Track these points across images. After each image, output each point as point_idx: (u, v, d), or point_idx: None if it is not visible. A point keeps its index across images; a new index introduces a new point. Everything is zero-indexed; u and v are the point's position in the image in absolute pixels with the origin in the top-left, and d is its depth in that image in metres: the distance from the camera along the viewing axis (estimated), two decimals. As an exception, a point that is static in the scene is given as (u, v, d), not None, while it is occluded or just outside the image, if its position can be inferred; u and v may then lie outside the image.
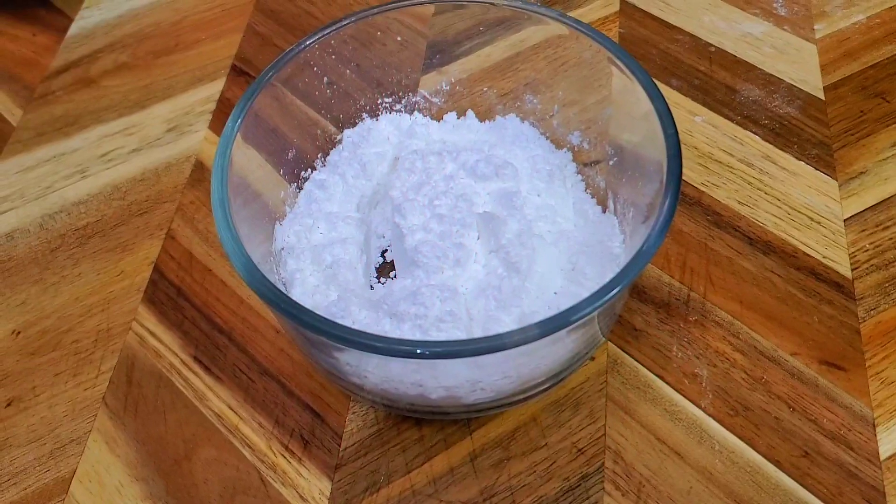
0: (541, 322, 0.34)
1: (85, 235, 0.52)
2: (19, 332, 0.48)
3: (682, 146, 0.52)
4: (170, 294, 0.48)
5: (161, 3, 0.66)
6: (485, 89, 0.52)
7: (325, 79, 0.48)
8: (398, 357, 0.33)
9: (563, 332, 0.34)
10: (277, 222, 0.46)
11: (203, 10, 0.65)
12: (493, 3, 0.47)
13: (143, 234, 0.51)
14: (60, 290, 0.49)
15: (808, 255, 0.48)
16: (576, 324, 0.34)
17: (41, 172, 0.55)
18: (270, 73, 0.44)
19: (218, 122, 0.57)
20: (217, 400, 0.44)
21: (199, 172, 0.54)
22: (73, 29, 0.65)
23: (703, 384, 0.43)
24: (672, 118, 0.39)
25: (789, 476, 0.40)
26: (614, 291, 0.34)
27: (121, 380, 0.45)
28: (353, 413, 0.43)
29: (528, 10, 0.46)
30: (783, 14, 0.60)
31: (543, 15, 0.46)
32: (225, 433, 0.43)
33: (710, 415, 0.42)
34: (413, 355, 0.33)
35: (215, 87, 0.59)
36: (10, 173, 0.55)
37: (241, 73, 0.60)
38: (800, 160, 0.52)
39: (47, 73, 0.61)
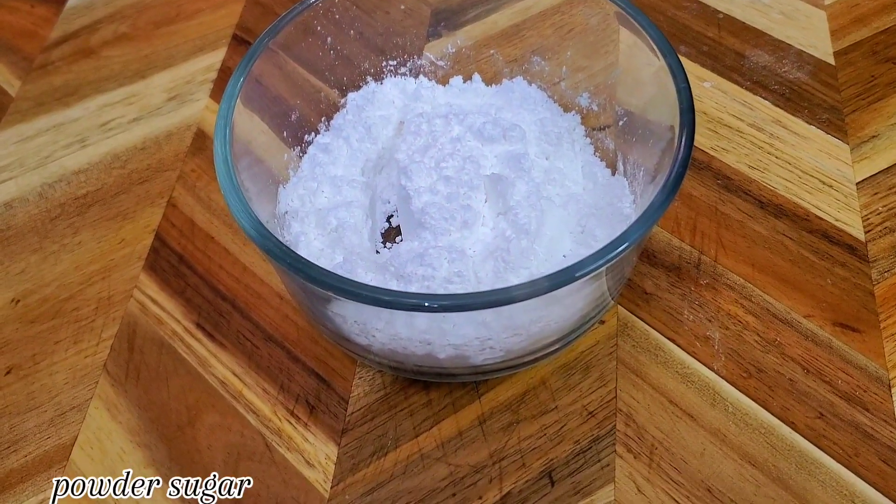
0: (550, 275, 0.33)
1: (85, 204, 0.51)
2: (19, 301, 0.47)
3: (691, 111, 0.51)
4: (171, 262, 0.48)
5: (161, -27, 0.65)
6: (492, 52, 0.51)
7: (328, 40, 0.47)
8: (406, 310, 0.33)
9: (572, 286, 0.33)
10: (281, 185, 0.45)
11: (204, -20, 0.64)
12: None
13: (144, 202, 0.51)
14: (60, 259, 0.48)
15: (820, 218, 0.47)
16: (584, 278, 0.33)
17: (41, 142, 0.54)
18: (269, 36, 0.43)
19: (219, 91, 0.56)
20: (221, 366, 0.43)
21: (201, 141, 0.53)
22: (73, 0, 0.64)
23: (716, 346, 0.42)
24: (684, 72, 0.39)
25: (804, 437, 0.39)
26: (625, 245, 0.33)
27: (122, 347, 0.44)
28: (360, 378, 0.42)
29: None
30: (791, -20, 0.59)
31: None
32: (229, 399, 0.42)
33: (722, 377, 0.41)
34: (421, 308, 0.32)
35: (216, 57, 0.59)
36: (8, 143, 0.54)
37: (243, 42, 0.59)
38: (811, 125, 0.51)
39: (46, 44, 0.61)
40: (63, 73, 0.58)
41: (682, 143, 0.36)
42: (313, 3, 0.45)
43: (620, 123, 0.45)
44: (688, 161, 0.36)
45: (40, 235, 0.50)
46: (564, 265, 0.41)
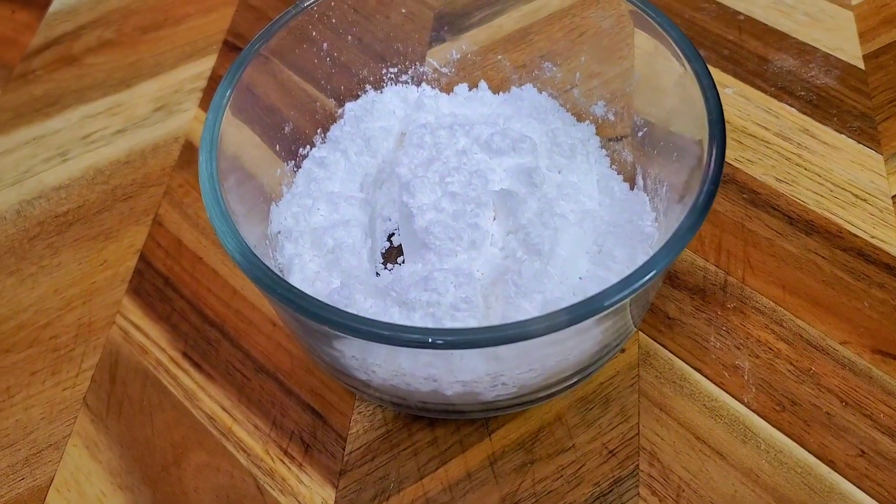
0: (570, 307, 0.29)
1: (65, 223, 0.48)
2: (-7, 328, 0.44)
3: (713, 119, 0.48)
4: (157, 285, 0.44)
5: (149, -24, 0.62)
6: (499, 57, 0.48)
7: (324, 46, 0.44)
8: (409, 347, 0.29)
9: (594, 319, 0.30)
10: (273, 203, 0.41)
11: (193, -17, 0.61)
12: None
13: (128, 220, 0.47)
14: (39, 282, 0.45)
15: (854, 234, 0.44)
16: (608, 310, 0.30)
17: (19, 156, 0.51)
18: (261, 41, 0.40)
19: (208, 100, 0.53)
20: (209, 400, 0.40)
21: (189, 154, 0.50)
22: (55, 5, 0.61)
23: (746, 377, 0.39)
24: (712, 79, 0.35)
25: (845, 477, 0.36)
26: (651, 274, 0.30)
27: (103, 378, 0.41)
28: (359, 413, 0.39)
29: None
30: (816, -21, 0.56)
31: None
32: (217, 436, 0.39)
33: (753, 410, 0.38)
34: (425, 345, 0.29)
35: (206, 64, 0.55)
36: (-15, 157, 0.51)
37: (234, 48, 0.56)
38: (840, 133, 0.48)
39: (27, 52, 0.57)
40: (44, 83, 0.55)
41: (713, 158, 0.33)
42: (308, 6, 0.42)
43: (640, 134, 0.42)
44: (719, 178, 0.32)
45: (17, 256, 0.46)
46: (581, 289, 0.38)
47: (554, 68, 0.46)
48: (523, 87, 0.46)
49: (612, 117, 0.44)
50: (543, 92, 0.46)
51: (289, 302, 0.30)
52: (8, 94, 0.55)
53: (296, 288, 0.31)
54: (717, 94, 0.35)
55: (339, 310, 0.30)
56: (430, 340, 0.29)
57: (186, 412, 0.40)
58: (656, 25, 0.38)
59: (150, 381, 0.41)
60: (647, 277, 0.30)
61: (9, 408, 0.41)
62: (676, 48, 0.37)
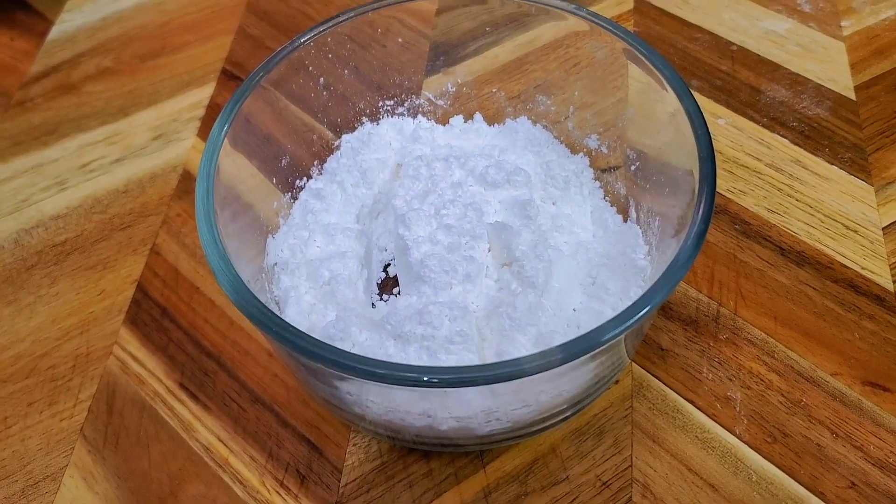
0: (564, 345, 0.30)
1: (63, 252, 0.48)
2: (-9, 358, 0.44)
3: (706, 150, 0.48)
4: (154, 315, 0.45)
5: (147, 4, 0.62)
6: (493, 90, 0.48)
7: (322, 80, 0.44)
8: (403, 386, 0.30)
9: (589, 355, 0.30)
10: (270, 235, 0.42)
11: (192, 11, 0.61)
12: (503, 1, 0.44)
13: (125, 249, 0.48)
14: (36, 311, 0.45)
15: (845, 266, 0.44)
16: (603, 346, 0.30)
17: (17, 185, 0.51)
18: (260, 74, 0.41)
19: (207, 129, 0.53)
20: (205, 431, 0.40)
21: (187, 183, 0.51)
22: (54, 33, 0.61)
23: (737, 408, 0.39)
24: (703, 117, 0.36)
25: (836, 510, 0.36)
26: (646, 310, 0.31)
27: (100, 409, 0.41)
28: (354, 445, 0.39)
29: (539, 3, 0.43)
30: (808, 10, 0.57)
31: (556, 8, 0.42)
32: (214, 467, 0.39)
33: (745, 442, 0.38)
34: (419, 383, 0.29)
35: (204, 93, 0.56)
36: (-17, 186, 0.52)
37: (232, 77, 0.56)
38: (832, 164, 0.48)
39: (25, 79, 0.58)
40: (42, 111, 0.55)
41: (704, 195, 0.33)
42: (308, 38, 0.43)
43: (632, 168, 0.42)
44: (709, 217, 0.33)
45: (15, 286, 0.47)
46: (576, 321, 0.38)
47: (548, 101, 0.46)
48: (518, 119, 0.47)
49: (605, 150, 0.45)
50: (538, 124, 0.47)
51: (282, 339, 0.31)
52: (6, 122, 0.55)
53: (290, 325, 0.31)
54: (708, 132, 0.35)
55: (332, 347, 0.30)
56: (424, 379, 0.29)
57: (183, 443, 0.40)
58: (649, 63, 0.39)
59: (148, 412, 0.41)
60: (641, 314, 0.30)
61: (5, 439, 0.41)
62: (668, 85, 0.38)
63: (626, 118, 0.43)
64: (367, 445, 0.39)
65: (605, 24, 0.41)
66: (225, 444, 0.40)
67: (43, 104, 0.56)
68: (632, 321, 0.30)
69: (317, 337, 0.38)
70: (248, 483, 0.39)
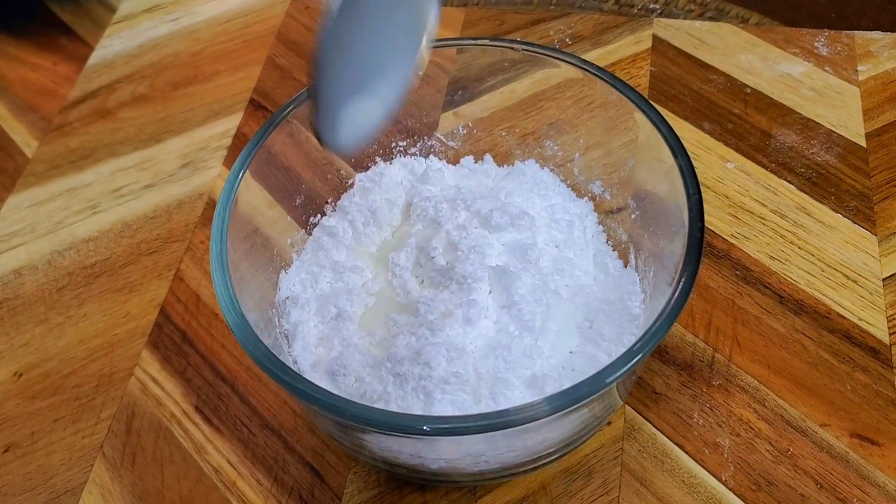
0: (551, 397, 0.31)
1: (93, 274, 0.51)
2: (21, 375, 0.47)
3: (712, 194, 0.50)
4: (174, 339, 0.47)
5: (182, 32, 0.65)
6: (503, 133, 0.50)
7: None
8: (390, 433, 0.32)
9: (575, 407, 0.32)
10: (283, 270, 0.44)
11: (224, 40, 0.64)
12: (511, 48, 0.45)
13: (151, 274, 0.50)
14: (65, 332, 0.48)
15: (842, 316, 0.45)
16: (588, 399, 0.32)
17: (53, 207, 0.54)
18: (290, 108, 0.43)
19: (233, 158, 0.55)
20: (216, 453, 0.43)
21: (211, 211, 0.53)
22: (94, 58, 0.64)
23: (725, 455, 0.41)
24: (696, 178, 0.37)
25: (815, 561, 0.37)
26: (617, 374, 0.32)
27: (120, 429, 0.44)
28: (355, 473, 0.41)
29: (546, 55, 0.44)
30: (825, 54, 0.57)
31: (562, 60, 0.44)
32: (222, 490, 0.41)
33: (730, 489, 0.40)
34: (410, 431, 0.31)
35: (232, 122, 0.58)
36: (22, 207, 0.54)
37: (259, 107, 0.59)
38: (837, 212, 0.49)
39: (65, 104, 0.61)
40: (79, 135, 0.58)
41: (689, 264, 0.34)
42: None
43: (633, 216, 0.44)
44: (694, 278, 0.34)
45: (47, 306, 0.49)
46: (570, 363, 0.40)
47: (555, 146, 0.48)
48: (526, 161, 0.48)
49: (608, 196, 0.46)
50: (545, 168, 0.48)
51: (284, 383, 0.33)
52: (45, 146, 0.58)
53: (288, 368, 0.33)
54: (700, 195, 0.36)
55: (326, 391, 0.32)
56: (421, 427, 0.31)
57: (195, 465, 0.42)
58: (647, 119, 0.40)
59: (163, 433, 0.44)
60: (614, 376, 0.32)
61: (32, 452, 0.44)
62: (665, 142, 0.39)
63: (631, 165, 0.44)
64: (367, 475, 0.41)
65: (605, 77, 0.42)
66: (234, 467, 0.42)
67: (80, 129, 0.59)
68: (608, 380, 0.32)
69: (322, 370, 0.41)
70: (253, 506, 0.41)
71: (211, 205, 0.53)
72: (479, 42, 0.47)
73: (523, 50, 0.45)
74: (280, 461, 0.42)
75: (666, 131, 0.39)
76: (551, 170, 0.48)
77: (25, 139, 0.59)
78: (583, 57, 0.47)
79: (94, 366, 0.47)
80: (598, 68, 0.43)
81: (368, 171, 0.48)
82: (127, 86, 0.61)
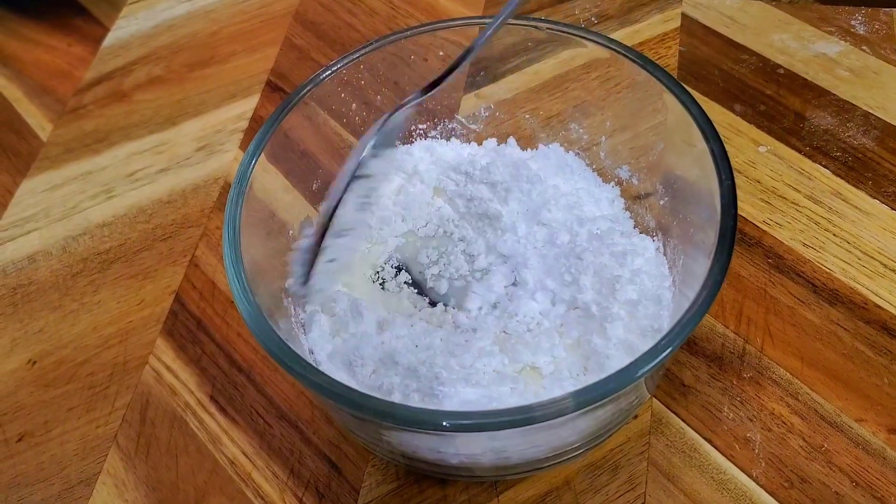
0: (576, 392, 0.30)
1: (107, 260, 0.50)
2: (35, 362, 0.46)
3: (744, 179, 0.48)
4: (189, 327, 0.46)
5: (198, 13, 0.64)
6: (527, 116, 0.48)
7: (362, 97, 0.45)
8: (408, 429, 0.30)
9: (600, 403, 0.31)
10: (300, 259, 0.43)
11: (240, 20, 0.62)
12: (535, 27, 0.43)
13: (165, 260, 0.49)
14: (79, 319, 0.47)
15: (879, 307, 0.43)
16: (614, 395, 0.30)
17: (68, 191, 0.53)
18: (307, 88, 0.41)
19: (249, 141, 0.54)
20: (232, 445, 0.42)
21: (227, 195, 0.52)
22: (109, 39, 0.63)
23: (756, 450, 0.39)
24: (728, 163, 0.35)
25: (850, 562, 0.36)
26: (646, 368, 0.31)
27: (134, 418, 0.43)
28: (373, 466, 0.40)
29: (572, 34, 0.43)
30: (862, 32, 0.55)
31: (588, 39, 0.42)
32: (238, 482, 0.40)
33: (761, 486, 0.38)
34: (429, 426, 0.30)
35: (248, 104, 0.57)
36: (36, 191, 0.54)
37: (276, 88, 0.57)
38: (874, 198, 0.47)
39: (80, 86, 0.60)
40: (94, 118, 0.57)
41: (721, 256, 0.33)
42: (356, 57, 0.43)
43: (661, 203, 0.42)
44: (726, 268, 0.32)
45: (61, 292, 0.49)
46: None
47: (580, 129, 0.46)
48: (550, 145, 0.47)
49: (636, 181, 0.44)
50: (570, 151, 0.46)
51: (298, 375, 0.32)
52: (60, 129, 0.57)
53: (301, 359, 0.32)
54: (733, 181, 0.35)
55: (343, 385, 0.31)
56: (444, 424, 0.30)
57: (210, 456, 0.41)
58: (677, 101, 0.38)
59: (178, 424, 0.43)
60: (642, 371, 0.30)
61: (46, 442, 0.43)
62: (695, 124, 0.37)
63: (659, 149, 0.43)
64: (385, 468, 0.40)
65: (634, 58, 0.41)
66: (249, 459, 0.41)
67: (95, 111, 0.58)
68: (632, 378, 0.30)
69: (339, 361, 0.39)
70: (268, 498, 0.40)
71: (227, 189, 0.52)
72: (501, 22, 0.45)
73: (548, 29, 0.43)
74: (296, 453, 0.41)
75: (697, 113, 0.38)
76: (576, 153, 0.46)
77: (40, 122, 0.58)
78: (610, 36, 0.45)
79: (108, 354, 0.46)
80: (626, 47, 0.41)
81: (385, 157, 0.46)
82: (142, 67, 0.60)
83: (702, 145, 0.37)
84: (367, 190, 0.39)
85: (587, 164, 0.46)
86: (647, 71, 0.40)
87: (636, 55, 0.41)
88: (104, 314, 0.47)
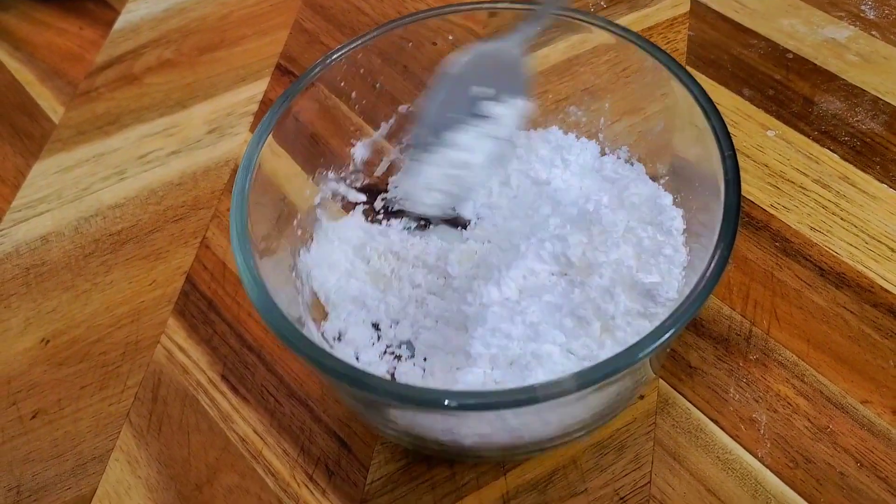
0: (580, 373, 0.30)
1: (119, 241, 0.50)
2: (48, 341, 0.46)
3: (752, 163, 0.48)
4: (201, 307, 0.47)
5: (209, -5, 0.64)
6: (535, 99, 0.48)
7: (372, 74, 0.45)
8: (421, 409, 0.31)
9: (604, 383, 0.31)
10: (310, 239, 0.43)
11: (251, 4, 0.63)
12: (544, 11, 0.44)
13: (177, 241, 0.50)
14: (91, 298, 0.48)
15: (885, 290, 0.43)
16: (618, 375, 0.31)
17: (80, 173, 0.54)
18: (317, 70, 0.42)
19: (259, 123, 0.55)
20: (242, 423, 0.42)
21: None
22: (120, 22, 0.63)
23: (762, 431, 0.39)
24: (729, 138, 0.36)
25: (854, 540, 0.36)
26: (649, 349, 0.31)
27: (146, 396, 0.44)
28: (382, 444, 0.41)
29: (578, 19, 0.43)
30: (872, 17, 0.55)
31: (596, 25, 0.42)
32: (248, 459, 0.41)
33: (767, 466, 0.39)
34: (434, 405, 0.30)
35: (259, 87, 0.57)
36: (48, 173, 0.54)
37: (286, 72, 0.58)
38: (882, 182, 0.47)
39: (91, 69, 0.60)
40: (106, 101, 0.58)
41: (726, 235, 0.33)
42: (367, 40, 0.43)
43: (661, 182, 0.42)
44: (731, 247, 0.33)
45: (73, 272, 0.49)
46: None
47: (588, 112, 0.46)
48: (555, 128, 0.47)
49: (636, 162, 0.45)
50: (577, 133, 0.47)
51: (309, 357, 0.32)
52: (72, 111, 0.58)
53: (314, 343, 0.32)
54: (734, 153, 0.35)
55: (353, 366, 0.31)
56: (445, 403, 0.30)
57: (221, 434, 0.42)
58: (678, 82, 0.38)
59: (189, 402, 0.43)
60: (642, 354, 0.31)
61: (59, 419, 0.44)
62: (697, 104, 0.37)
63: (658, 130, 0.43)
64: (394, 446, 0.41)
65: (632, 38, 0.41)
66: (260, 437, 0.42)
67: (106, 94, 0.58)
68: (632, 360, 0.31)
69: (335, 356, 0.40)
70: (279, 475, 0.40)
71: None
72: (511, 6, 0.46)
73: (556, 14, 0.43)
74: (307, 431, 0.42)
75: (697, 92, 0.38)
76: (577, 137, 0.47)
77: (52, 105, 0.58)
78: (618, 21, 0.46)
79: (120, 333, 0.46)
80: (631, 32, 0.41)
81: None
82: (153, 51, 0.61)
83: (703, 124, 0.37)
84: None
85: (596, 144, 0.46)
86: (645, 49, 0.41)
87: (641, 40, 0.41)
88: (116, 294, 0.48)
